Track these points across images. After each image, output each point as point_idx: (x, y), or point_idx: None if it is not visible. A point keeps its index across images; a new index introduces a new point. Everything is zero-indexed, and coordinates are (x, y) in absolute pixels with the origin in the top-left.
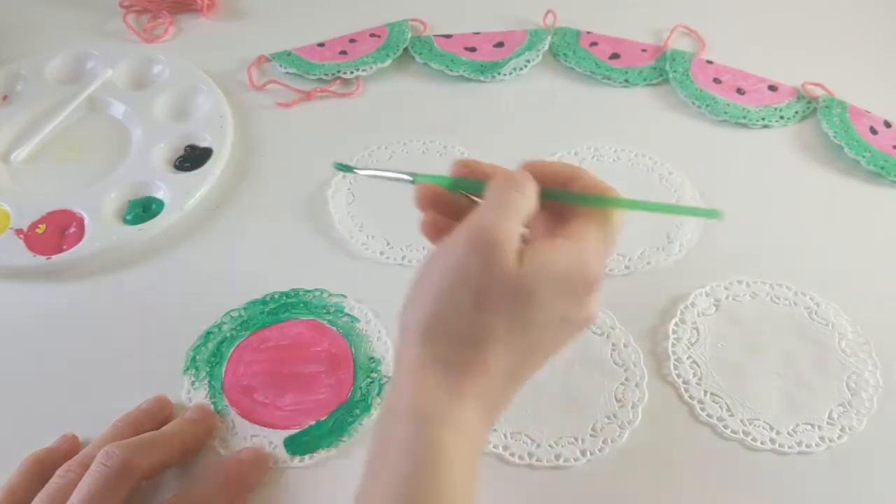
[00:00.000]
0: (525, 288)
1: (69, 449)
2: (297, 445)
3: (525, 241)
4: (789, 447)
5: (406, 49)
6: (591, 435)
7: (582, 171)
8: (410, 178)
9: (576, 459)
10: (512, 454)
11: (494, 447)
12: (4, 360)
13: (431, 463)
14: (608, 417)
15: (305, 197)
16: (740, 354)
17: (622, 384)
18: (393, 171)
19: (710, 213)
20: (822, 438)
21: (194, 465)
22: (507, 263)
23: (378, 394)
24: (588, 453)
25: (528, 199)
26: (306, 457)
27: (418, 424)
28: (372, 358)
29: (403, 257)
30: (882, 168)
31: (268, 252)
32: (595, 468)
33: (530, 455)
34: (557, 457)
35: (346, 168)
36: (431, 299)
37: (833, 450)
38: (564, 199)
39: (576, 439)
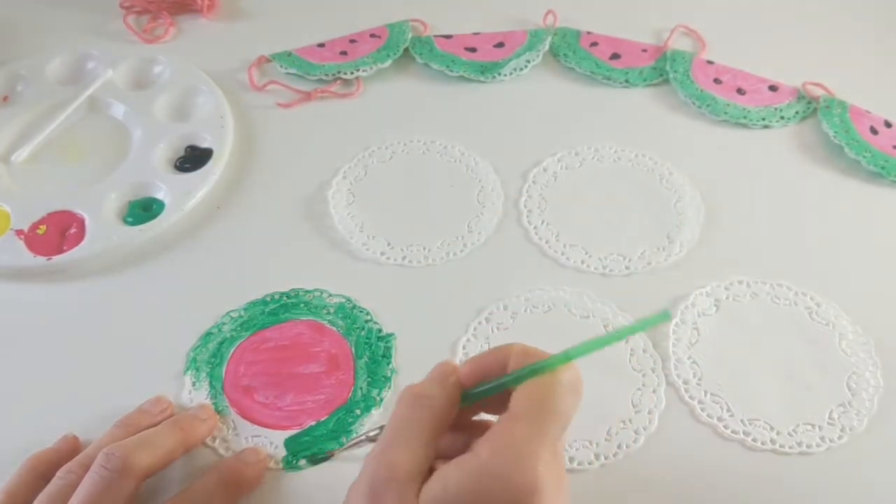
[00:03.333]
0: None
1: (70, 450)
2: (297, 445)
3: None
4: (790, 447)
5: (406, 49)
6: (605, 440)
7: (513, 346)
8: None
9: (589, 463)
10: None
11: None
12: (4, 360)
13: None
14: (623, 423)
15: (305, 197)
16: (740, 354)
17: (639, 389)
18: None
19: (661, 317)
20: (822, 438)
21: (194, 465)
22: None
23: (378, 394)
24: (602, 457)
25: (430, 408)
26: None
27: None
28: (372, 358)
29: (404, 258)
30: (882, 168)
31: (268, 252)
32: (603, 470)
33: None
34: (571, 459)
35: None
36: None
37: (833, 450)
38: (492, 392)
39: (590, 443)
